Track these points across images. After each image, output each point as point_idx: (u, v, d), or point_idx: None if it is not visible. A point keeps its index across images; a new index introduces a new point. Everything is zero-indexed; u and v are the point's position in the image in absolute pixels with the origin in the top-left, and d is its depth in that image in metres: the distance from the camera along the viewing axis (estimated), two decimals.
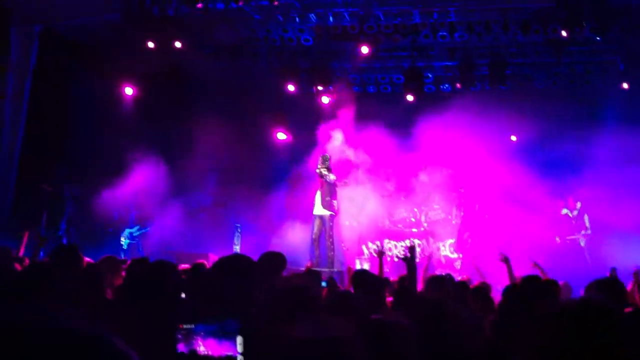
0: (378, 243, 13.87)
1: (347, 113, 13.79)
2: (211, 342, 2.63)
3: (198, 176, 13.65)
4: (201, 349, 2.63)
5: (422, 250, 12.90)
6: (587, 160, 12.94)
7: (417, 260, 6.24)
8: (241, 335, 2.60)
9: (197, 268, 6.00)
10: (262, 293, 3.29)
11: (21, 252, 6.71)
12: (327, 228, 12.19)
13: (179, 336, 2.68)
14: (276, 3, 11.49)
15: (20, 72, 12.40)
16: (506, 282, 6.77)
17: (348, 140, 13.69)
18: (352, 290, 5.28)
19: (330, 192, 12.26)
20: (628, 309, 3.87)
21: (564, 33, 11.62)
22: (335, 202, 12.33)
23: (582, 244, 13.00)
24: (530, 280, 5.24)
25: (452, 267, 12.89)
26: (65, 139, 12.98)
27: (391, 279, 7.35)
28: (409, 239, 13.60)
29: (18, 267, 5.59)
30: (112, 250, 11.42)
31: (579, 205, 13.18)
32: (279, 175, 13.69)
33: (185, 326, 2.69)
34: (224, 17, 12.47)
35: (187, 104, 13.79)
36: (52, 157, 12.79)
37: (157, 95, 13.48)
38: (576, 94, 13.86)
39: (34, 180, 12.18)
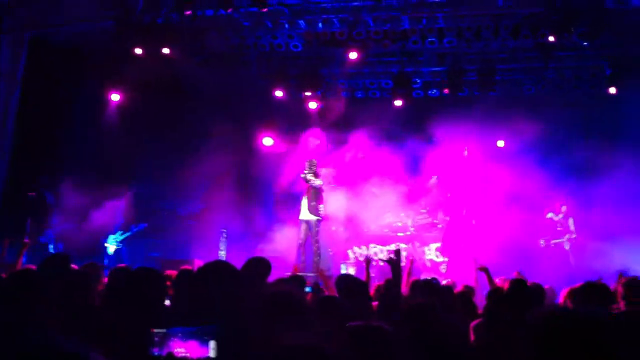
0: (365, 249, 13.91)
1: (335, 118, 13.83)
2: (188, 344, 2.64)
3: (187, 182, 13.63)
4: (177, 350, 2.64)
5: (408, 254, 12.90)
6: (573, 164, 13.05)
7: (402, 263, 6.26)
8: (216, 340, 2.61)
9: (183, 274, 5.99)
10: (247, 299, 3.30)
11: (3, 258, 6.69)
12: (313, 233, 12.22)
13: (155, 339, 2.68)
14: (265, 10, 11.49)
15: (9, 80, 12.35)
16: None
17: (334, 145, 13.73)
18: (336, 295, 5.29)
19: (317, 197, 12.29)
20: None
21: (551, 38, 11.69)
22: (321, 207, 12.35)
23: (567, 247, 13.06)
24: (517, 284, 5.27)
25: (437, 271, 12.92)
26: (54, 147, 12.93)
27: (377, 283, 7.37)
28: (395, 243, 13.61)
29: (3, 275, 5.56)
30: (97, 257, 11.39)
31: (564, 209, 13.25)
32: (266, 181, 13.68)
33: (157, 330, 2.69)
34: (213, 24, 12.48)
35: (177, 111, 13.77)
36: (41, 165, 12.73)
37: (147, 102, 13.45)
38: (564, 99, 13.95)
39: (22, 187, 12.14)
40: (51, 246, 12.01)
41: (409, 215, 14.31)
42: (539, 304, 5.09)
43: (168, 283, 6.01)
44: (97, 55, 12.76)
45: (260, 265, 5.47)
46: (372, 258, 7.05)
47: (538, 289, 5.64)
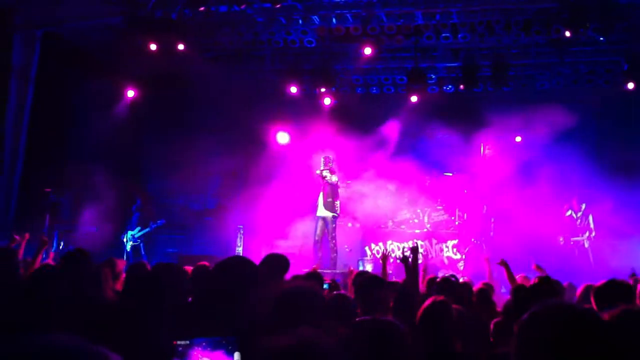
0: (382, 246, 13.88)
1: (350, 114, 13.79)
2: (213, 354, 2.60)
3: (201, 178, 13.66)
4: None
5: (425, 251, 12.87)
6: (592, 161, 12.91)
7: (420, 260, 6.24)
8: (240, 351, 2.59)
9: (200, 270, 6.00)
10: (265, 295, 3.28)
11: (20, 255, 6.71)
12: (329, 230, 12.21)
13: (179, 349, 2.65)
14: (279, 6, 11.49)
15: (22, 76, 12.41)
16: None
17: (350, 142, 13.69)
18: (353, 292, 5.28)
19: (333, 194, 12.28)
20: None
21: (567, 33, 11.59)
22: (337, 204, 12.34)
23: (587, 245, 12.94)
24: (542, 281, 5.20)
25: (455, 268, 12.86)
26: (66, 143, 13.00)
27: (395, 280, 7.34)
28: (412, 239, 13.59)
29: (22, 270, 5.60)
30: (116, 253, 11.43)
31: (583, 206, 13.12)
32: (282, 177, 13.67)
33: (180, 342, 2.66)
34: (226, 20, 12.49)
35: (190, 107, 13.80)
36: (54, 162, 12.80)
37: (160, 98, 13.50)
38: (579, 95, 13.83)
39: (36, 184, 12.21)
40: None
41: (425, 212, 14.27)
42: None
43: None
44: (109, 52, 12.79)
45: (279, 262, 5.45)
46: (389, 255, 7.00)
47: (557, 286, 5.59)
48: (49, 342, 1.06)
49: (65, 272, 4.40)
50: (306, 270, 6.64)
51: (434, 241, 13.78)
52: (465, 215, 14.04)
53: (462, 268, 13.09)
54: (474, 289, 6.14)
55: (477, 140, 13.92)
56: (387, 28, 12.36)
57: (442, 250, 13.78)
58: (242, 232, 13.51)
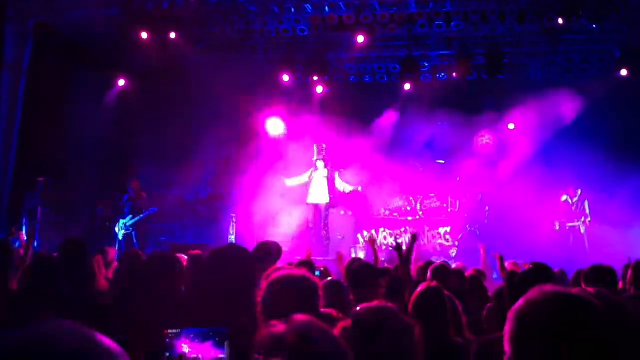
0: (373, 232, 13.92)
1: (342, 103, 13.76)
2: (202, 346, 2.59)
3: (194, 168, 13.63)
4: (186, 350, 2.60)
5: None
6: (587, 147, 12.94)
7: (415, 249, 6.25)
8: (231, 342, 2.58)
9: (193, 258, 6.01)
10: (259, 282, 3.27)
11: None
12: (322, 217, 12.24)
13: (166, 340, 2.64)
14: None
15: (14, 69, 12.33)
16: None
17: (343, 130, 13.69)
18: (346, 279, 5.30)
19: (326, 182, 12.31)
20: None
21: (560, 21, 11.60)
22: (330, 191, 12.37)
23: (582, 230, 12.97)
24: (536, 267, 5.23)
25: (447, 255, 12.93)
26: (59, 134, 12.93)
27: (387, 266, 7.37)
28: (405, 227, 13.64)
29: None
30: (108, 242, 11.44)
31: (579, 192, 13.15)
32: (274, 165, 13.65)
33: (171, 331, 2.65)
34: (218, 9, 12.44)
35: (183, 97, 13.74)
36: (49, 153, 12.75)
37: (153, 89, 13.44)
38: (573, 82, 13.82)
39: (30, 175, 12.19)
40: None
41: (418, 200, 14.30)
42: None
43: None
44: (102, 43, 12.72)
45: (270, 249, 5.46)
46: (375, 239, 7.03)
47: (549, 272, 5.60)
48: (53, 331, 1.07)
49: (61, 263, 4.39)
50: (299, 258, 6.65)
51: (427, 228, 13.83)
52: (457, 202, 14.09)
53: (454, 255, 13.15)
54: (466, 274, 6.17)
55: (470, 128, 13.95)
56: (380, 16, 12.34)
57: (434, 237, 13.84)
58: (234, 220, 13.52)
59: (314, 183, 12.44)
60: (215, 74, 13.17)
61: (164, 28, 12.48)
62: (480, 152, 14.11)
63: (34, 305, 3.68)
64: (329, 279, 5.08)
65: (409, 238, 6.04)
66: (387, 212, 14.28)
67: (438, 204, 14.22)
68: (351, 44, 13.02)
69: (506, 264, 7.12)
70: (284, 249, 6.06)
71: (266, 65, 14.03)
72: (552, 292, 1.79)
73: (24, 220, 11.60)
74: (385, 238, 13.86)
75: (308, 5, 12.23)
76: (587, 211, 13.03)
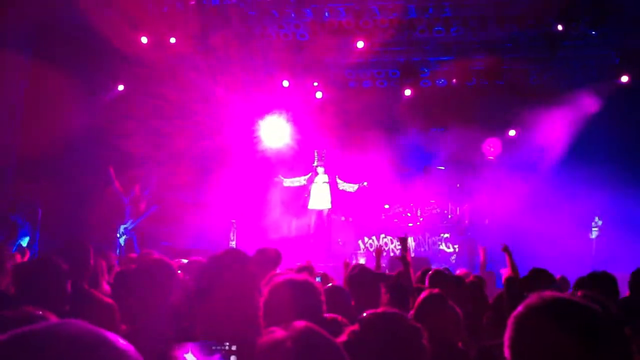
0: (375, 239, 13.91)
1: (342, 108, 13.77)
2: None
3: (194, 172, 13.61)
4: None
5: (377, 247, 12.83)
6: (589, 151, 12.94)
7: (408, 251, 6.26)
8: (236, 356, 2.56)
9: (193, 264, 6.00)
10: (259, 288, 3.25)
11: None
12: (323, 223, 12.24)
13: (170, 354, 2.61)
14: None
15: (16, 68, 12.33)
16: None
17: (343, 136, 13.69)
18: (348, 285, 5.29)
19: (327, 187, 12.31)
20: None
21: (559, 27, 11.64)
22: (331, 197, 12.37)
23: (593, 236, 12.84)
24: (534, 273, 5.23)
25: (448, 262, 12.91)
26: (59, 133, 12.91)
27: (388, 273, 7.35)
28: (404, 233, 13.62)
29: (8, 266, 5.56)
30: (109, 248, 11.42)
31: (599, 222, 12.93)
32: (275, 171, 13.65)
33: (174, 345, 2.62)
34: (218, 13, 12.44)
35: (182, 100, 13.74)
36: (48, 154, 12.73)
37: (152, 92, 13.44)
38: (572, 88, 13.84)
39: (30, 176, 12.18)
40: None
41: (418, 206, 14.29)
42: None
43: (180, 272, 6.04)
44: (101, 45, 12.72)
45: (270, 255, 5.46)
46: (383, 249, 7.03)
47: (549, 278, 5.61)
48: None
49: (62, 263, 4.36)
50: (299, 264, 6.63)
51: (427, 235, 13.82)
52: (458, 209, 14.08)
53: (454, 261, 13.13)
54: (466, 281, 6.15)
55: (470, 134, 13.94)
56: (380, 22, 12.36)
57: (435, 243, 13.83)
58: (235, 225, 13.51)
59: (314, 189, 12.45)
60: (215, 79, 13.18)
61: (164, 30, 12.50)
62: (480, 159, 14.11)
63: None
64: (330, 284, 5.07)
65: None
66: (387, 219, 14.27)
67: (438, 210, 14.22)
68: (351, 49, 13.04)
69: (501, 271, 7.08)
70: (283, 254, 6.05)
71: (266, 70, 14.03)
72: (551, 298, 1.79)
73: (20, 222, 11.57)
74: (385, 244, 13.86)
75: (308, 10, 12.24)
76: (597, 219, 12.90)
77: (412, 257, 5.81)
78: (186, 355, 2.57)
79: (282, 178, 12.89)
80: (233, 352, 2.52)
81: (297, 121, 14.20)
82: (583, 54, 13.46)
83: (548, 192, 12.94)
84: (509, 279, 5.08)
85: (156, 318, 3.33)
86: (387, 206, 14.41)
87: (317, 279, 6.19)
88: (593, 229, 12.84)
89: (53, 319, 2.19)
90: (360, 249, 13.77)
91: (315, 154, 12.62)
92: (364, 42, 12.61)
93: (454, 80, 13.76)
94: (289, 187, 13.22)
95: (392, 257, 12.08)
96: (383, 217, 14.27)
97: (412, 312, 3.97)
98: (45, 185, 12.31)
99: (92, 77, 13.09)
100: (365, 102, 13.39)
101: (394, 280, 5.83)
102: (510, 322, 1.80)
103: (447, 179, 14.18)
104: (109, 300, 4.32)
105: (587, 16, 11.29)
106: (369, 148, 13.53)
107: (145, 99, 13.42)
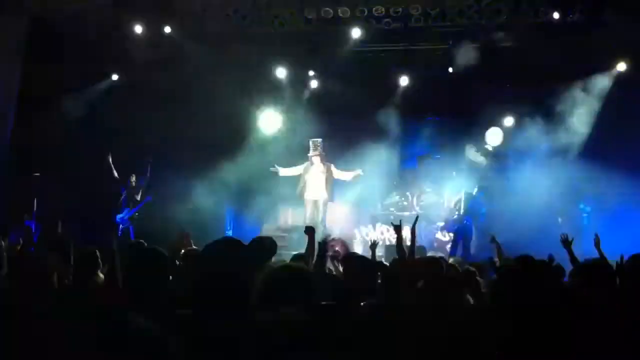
0: (371, 228, 13.95)
1: (338, 97, 13.73)
2: None
3: (189, 162, 13.59)
4: None
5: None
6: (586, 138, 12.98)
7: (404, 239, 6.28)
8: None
9: (190, 253, 6.03)
10: (255, 276, 3.27)
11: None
12: (320, 213, 12.25)
13: None
14: None
15: (10, 61, 12.30)
16: None
17: (339, 126, 13.68)
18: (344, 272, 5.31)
19: (323, 177, 12.32)
20: None
21: (556, 15, 11.65)
22: (328, 187, 12.37)
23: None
24: (522, 261, 5.21)
25: (444, 250, 12.94)
26: (53, 127, 12.90)
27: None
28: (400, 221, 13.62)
29: None
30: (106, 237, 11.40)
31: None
32: (270, 161, 13.62)
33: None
34: (213, 2, 12.41)
35: (178, 90, 13.71)
36: (44, 147, 12.72)
37: (148, 82, 13.39)
38: (570, 75, 13.81)
39: (24, 171, 12.19)
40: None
41: (414, 195, 14.31)
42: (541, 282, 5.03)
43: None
44: (97, 36, 12.69)
45: (266, 245, 5.48)
46: (377, 243, 7.04)
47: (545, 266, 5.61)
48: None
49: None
50: (294, 252, 6.66)
51: (424, 224, 13.83)
52: (453, 197, 14.08)
53: (450, 249, 13.15)
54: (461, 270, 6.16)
55: (467, 122, 13.96)
56: (376, 10, 12.33)
57: (431, 232, 13.86)
58: (231, 214, 13.52)
59: (310, 179, 12.45)
60: (210, 68, 13.15)
61: (160, 20, 12.48)
62: (477, 147, 14.13)
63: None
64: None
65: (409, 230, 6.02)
66: (383, 208, 14.30)
67: (435, 198, 14.24)
68: (347, 38, 13.01)
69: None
70: (280, 244, 6.07)
71: (261, 59, 13.98)
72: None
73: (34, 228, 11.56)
74: (382, 233, 13.88)
75: None
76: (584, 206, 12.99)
77: (408, 246, 5.78)
78: None
79: (278, 168, 12.87)
80: None
81: (292, 110, 14.18)
82: (579, 42, 13.41)
83: (542, 179, 12.95)
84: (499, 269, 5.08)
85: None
86: (383, 195, 14.43)
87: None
88: (583, 214, 12.91)
89: None
90: (356, 238, 13.80)
91: (311, 144, 12.60)
92: (359, 31, 12.61)
93: (450, 69, 13.73)
94: (284, 177, 13.21)
95: (387, 245, 12.12)
96: (379, 206, 14.29)
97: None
98: (42, 177, 12.32)
99: (87, 67, 13.04)
100: (360, 91, 13.34)
101: (387, 268, 5.85)
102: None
103: (443, 168, 14.18)
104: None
105: (583, 4, 11.29)
106: (365, 137, 13.52)
107: (138, 89, 13.37)
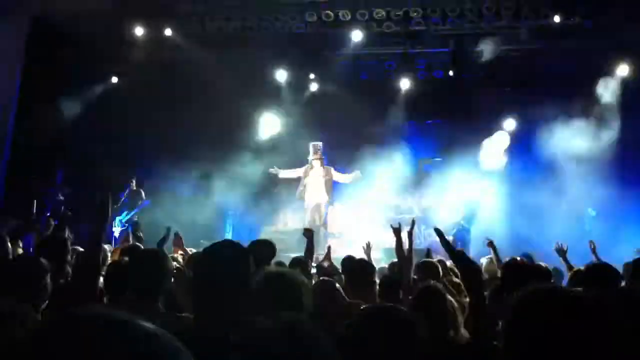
0: (371, 232, 13.92)
1: (338, 100, 13.73)
2: None
3: (189, 164, 13.58)
4: None
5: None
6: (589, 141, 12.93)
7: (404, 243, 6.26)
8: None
9: (191, 256, 6.03)
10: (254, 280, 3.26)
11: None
12: (320, 216, 12.25)
13: None
14: None
15: (11, 63, 12.29)
16: None
17: (339, 128, 13.68)
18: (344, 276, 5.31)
19: (323, 180, 12.31)
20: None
21: (556, 18, 11.66)
22: (328, 190, 12.37)
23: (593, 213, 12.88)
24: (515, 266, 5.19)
25: (443, 253, 12.89)
26: (54, 128, 12.90)
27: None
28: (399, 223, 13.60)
29: None
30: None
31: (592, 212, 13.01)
32: (269, 163, 13.61)
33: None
34: (214, 4, 12.42)
35: (178, 92, 13.71)
36: (44, 148, 12.72)
37: (148, 85, 13.40)
38: (570, 79, 13.80)
39: (24, 172, 12.18)
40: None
41: (414, 197, 14.30)
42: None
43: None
44: (98, 38, 12.69)
45: (265, 248, 5.46)
46: (371, 246, 7.02)
47: (541, 269, 5.59)
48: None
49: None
50: (293, 255, 6.66)
51: (423, 227, 13.80)
52: (454, 200, 14.06)
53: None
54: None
55: (467, 124, 13.94)
56: (377, 14, 12.34)
57: (430, 235, 13.81)
58: (231, 217, 13.50)
59: (310, 182, 12.44)
60: (211, 70, 13.14)
61: (160, 23, 12.48)
62: (477, 150, 14.12)
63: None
64: (322, 277, 5.08)
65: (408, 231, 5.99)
66: (383, 210, 14.27)
67: (435, 201, 14.23)
68: (347, 41, 13.02)
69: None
70: (279, 247, 6.06)
71: (262, 61, 13.99)
72: (546, 291, 1.79)
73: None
74: (381, 235, 13.83)
75: (306, 1, 12.23)
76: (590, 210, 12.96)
77: (407, 249, 5.77)
78: None
79: (277, 170, 12.87)
80: None
81: (292, 113, 14.18)
82: (579, 46, 13.42)
83: (545, 183, 12.94)
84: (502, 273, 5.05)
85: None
86: (383, 198, 14.40)
87: (314, 270, 6.21)
88: (587, 219, 12.90)
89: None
90: (356, 242, 13.76)
91: (311, 147, 12.60)
92: (360, 34, 12.62)
93: (451, 72, 13.75)
94: (284, 180, 13.21)
95: (386, 248, 12.09)
96: (379, 208, 14.27)
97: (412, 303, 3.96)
98: (40, 178, 12.32)
99: (87, 68, 13.05)
100: (361, 94, 13.36)
101: (385, 271, 5.85)
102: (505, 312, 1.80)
103: (443, 170, 14.17)
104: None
105: (583, 8, 11.30)
106: (365, 140, 13.53)
107: (139, 91, 13.37)
